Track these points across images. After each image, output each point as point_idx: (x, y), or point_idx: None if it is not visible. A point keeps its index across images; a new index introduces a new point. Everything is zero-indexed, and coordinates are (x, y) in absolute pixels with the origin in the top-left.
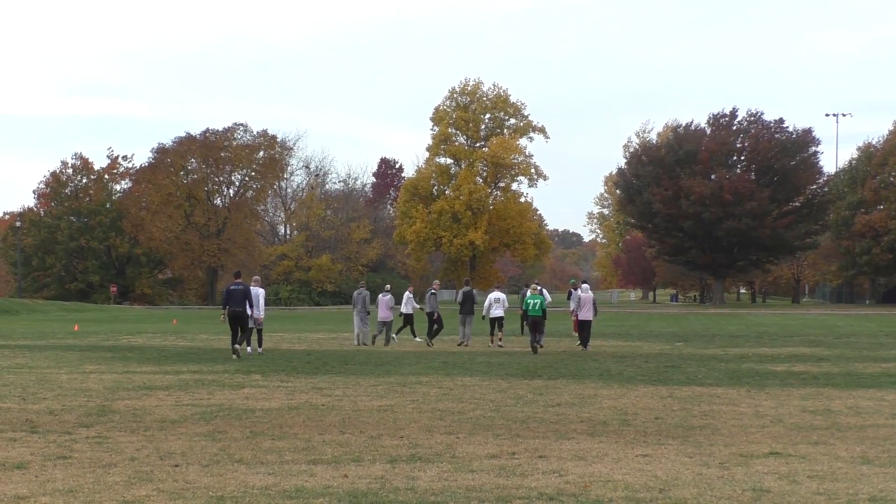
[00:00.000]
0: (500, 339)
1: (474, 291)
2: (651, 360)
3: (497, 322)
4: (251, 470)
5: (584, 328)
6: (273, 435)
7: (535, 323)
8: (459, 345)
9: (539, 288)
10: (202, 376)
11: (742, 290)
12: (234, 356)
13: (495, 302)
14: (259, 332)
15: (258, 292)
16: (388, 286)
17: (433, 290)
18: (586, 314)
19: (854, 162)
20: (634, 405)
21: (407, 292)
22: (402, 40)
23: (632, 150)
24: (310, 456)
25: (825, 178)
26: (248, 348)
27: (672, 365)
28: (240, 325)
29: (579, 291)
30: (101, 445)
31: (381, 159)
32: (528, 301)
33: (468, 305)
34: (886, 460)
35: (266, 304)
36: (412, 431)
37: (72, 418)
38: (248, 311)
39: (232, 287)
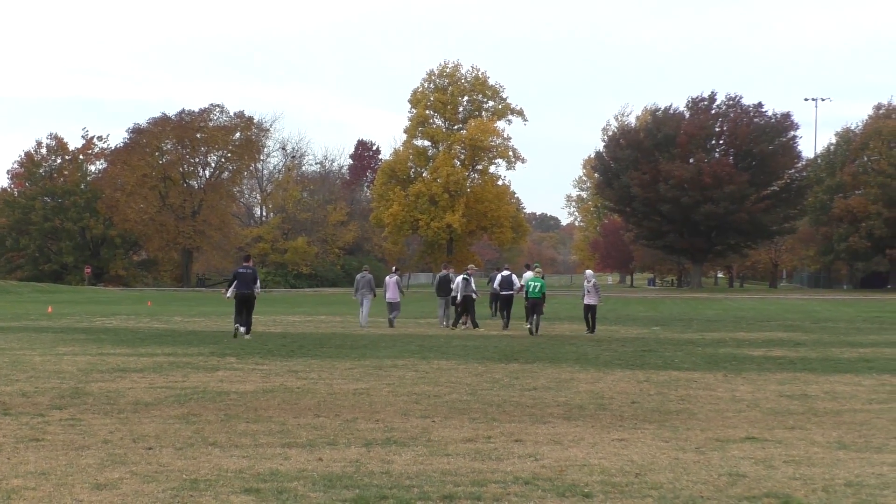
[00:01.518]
0: (466, 323)
1: (451, 274)
2: (628, 345)
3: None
4: (225, 453)
5: (590, 312)
6: (247, 418)
7: (534, 305)
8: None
9: (539, 270)
10: (176, 359)
11: (720, 275)
12: (235, 336)
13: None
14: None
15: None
16: (396, 268)
17: (468, 275)
18: (591, 299)
19: (832, 147)
20: (611, 389)
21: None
22: (381, 21)
23: (610, 133)
24: (284, 439)
25: (804, 163)
26: (248, 335)
27: (649, 349)
28: (246, 307)
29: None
30: (75, 428)
31: (359, 141)
32: (529, 283)
33: (446, 288)
34: (862, 445)
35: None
36: (388, 415)
37: (45, 400)
38: (255, 293)
39: (241, 270)
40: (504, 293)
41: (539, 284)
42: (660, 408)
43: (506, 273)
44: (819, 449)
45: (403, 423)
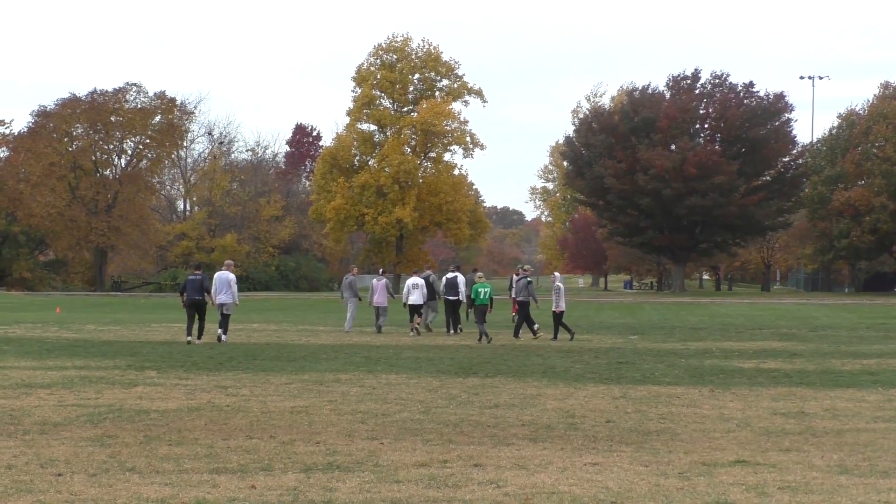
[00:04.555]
0: (417, 324)
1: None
2: (602, 356)
3: (415, 309)
4: (145, 479)
5: (557, 320)
6: (170, 440)
7: (481, 312)
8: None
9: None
10: (89, 372)
11: (705, 277)
12: (188, 343)
13: (413, 288)
14: (226, 317)
15: (230, 278)
16: (383, 270)
17: (528, 277)
18: (560, 304)
19: (834, 131)
20: (583, 407)
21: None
22: None
23: (581, 116)
24: (212, 464)
25: (800, 149)
26: (198, 341)
27: (626, 361)
28: (198, 313)
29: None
30: None
31: (296, 125)
32: (478, 289)
33: (429, 292)
34: (866, 469)
35: (176, 291)
36: (329, 436)
37: None
38: (206, 300)
39: (190, 277)
40: (450, 298)
41: (488, 291)
42: (638, 427)
43: (451, 276)
44: (818, 473)
45: (347, 446)
